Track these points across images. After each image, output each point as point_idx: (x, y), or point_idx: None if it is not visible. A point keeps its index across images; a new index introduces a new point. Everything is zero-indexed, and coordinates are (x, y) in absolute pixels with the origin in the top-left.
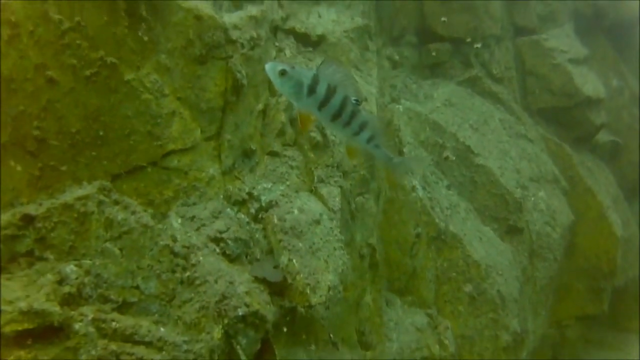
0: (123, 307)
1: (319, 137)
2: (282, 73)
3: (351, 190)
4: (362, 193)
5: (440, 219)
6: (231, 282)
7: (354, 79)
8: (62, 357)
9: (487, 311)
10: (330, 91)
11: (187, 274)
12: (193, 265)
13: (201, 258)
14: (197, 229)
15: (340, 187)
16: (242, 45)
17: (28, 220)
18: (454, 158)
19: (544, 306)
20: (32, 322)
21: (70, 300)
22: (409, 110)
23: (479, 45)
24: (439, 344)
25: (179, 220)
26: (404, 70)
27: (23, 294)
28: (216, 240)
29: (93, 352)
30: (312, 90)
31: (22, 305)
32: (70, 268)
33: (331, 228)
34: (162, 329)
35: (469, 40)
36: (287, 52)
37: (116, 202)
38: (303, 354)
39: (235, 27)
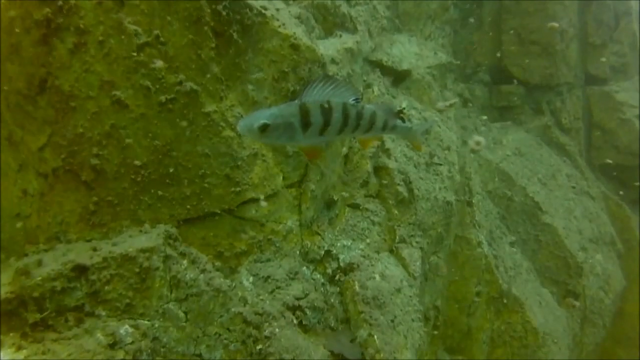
0: None
1: (405, 192)
2: (263, 129)
3: (427, 250)
4: (436, 252)
5: (503, 280)
6: None
7: (344, 80)
8: None
9: None
10: (327, 110)
11: (259, 346)
12: (267, 337)
13: (277, 330)
14: (272, 292)
15: (421, 248)
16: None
17: (80, 270)
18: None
19: None
20: None
21: None
22: (480, 157)
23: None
24: None
25: (251, 279)
26: (474, 109)
27: None
28: (293, 309)
29: None
30: (306, 123)
31: None
32: (125, 329)
33: (411, 297)
34: None
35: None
36: (375, 89)
37: (182, 255)
38: None
39: (333, 61)
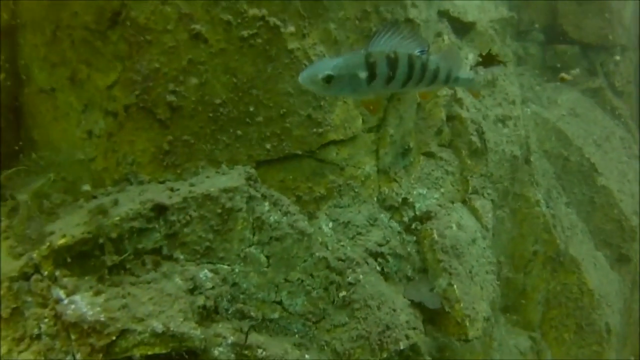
0: (260, 324)
1: (478, 143)
2: (328, 80)
3: (497, 203)
4: (502, 206)
5: (561, 240)
6: (394, 310)
7: (410, 28)
8: None
9: (592, 343)
10: (393, 61)
11: (343, 293)
12: (351, 284)
13: (361, 277)
14: (352, 238)
15: (492, 200)
16: (418, 26)
17: (159, 210)
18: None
19: (631, 338)
20: (167, 346)
21: (205, 315)
22: (536, 115)
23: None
24: None
25: (331, 225)
26: (528, 69)
27: (155, 308)
28: (375, 255)
29: None
30: (371, 74)
31: (156, 325)
32: (204, 274)
33: (484, 248)
34: (307, 356)
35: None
36: (445, 37)
37: (264, 197)
38: None
39: (413, 4)
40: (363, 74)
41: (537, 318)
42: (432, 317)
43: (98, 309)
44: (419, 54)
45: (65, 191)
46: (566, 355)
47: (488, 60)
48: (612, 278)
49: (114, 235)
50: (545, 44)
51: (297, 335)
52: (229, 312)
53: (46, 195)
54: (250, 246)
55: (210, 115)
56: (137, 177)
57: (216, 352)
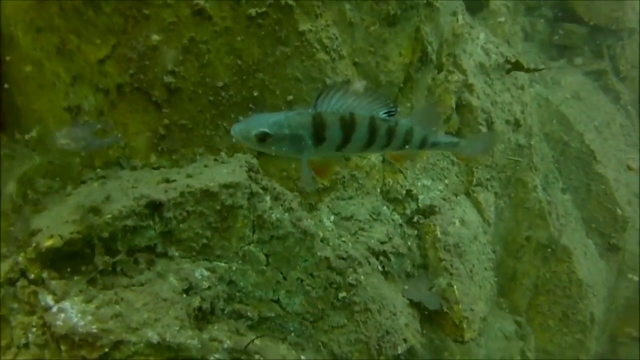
0: (256, 323)
1: (484, 130)
2: (262, 138)
3: (500, 194)
4: (502, 196)
5: (555, 227)
6: (394, 314)
7: (371, 88)
8: None
9: (576, 331)
10: (348, 124)
11: (342, 294)
12: (351, 285)
13: (362, 278)
14: (355, 234)
15: (495, 193)
16: (437, 10)
17: (155, 207)
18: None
19: (612, 324)
20: (162, 356)
21: (201, 317)
22: (540, 97)
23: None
24: (521, 355)
25: (332, 218)
26: (534, 46)
27: (150, 316)
28: (377, 254)
29: None
30: (319, 137)
31: (151, 335)
32: (200, 272)
33: (484, 244)
34: (302, 357)
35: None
36: (460, 17)
37: (265, 190)
38: None
39: None
40: (308, 136)
41: (524, 303)
42: (430, 316)
43: (90, 318)
44: (385, 116)
45: (52, 176)
46: (549, 341)
47: (517, 67)
48: (600, 267)
49: (105, 235)
50: (553, 22)
51: (293, 334)
52: (225, 312)
53: (31, 181)
54: (249, 244)
55: (211, 99)
56: (130, 161)
57: (212, 359)
